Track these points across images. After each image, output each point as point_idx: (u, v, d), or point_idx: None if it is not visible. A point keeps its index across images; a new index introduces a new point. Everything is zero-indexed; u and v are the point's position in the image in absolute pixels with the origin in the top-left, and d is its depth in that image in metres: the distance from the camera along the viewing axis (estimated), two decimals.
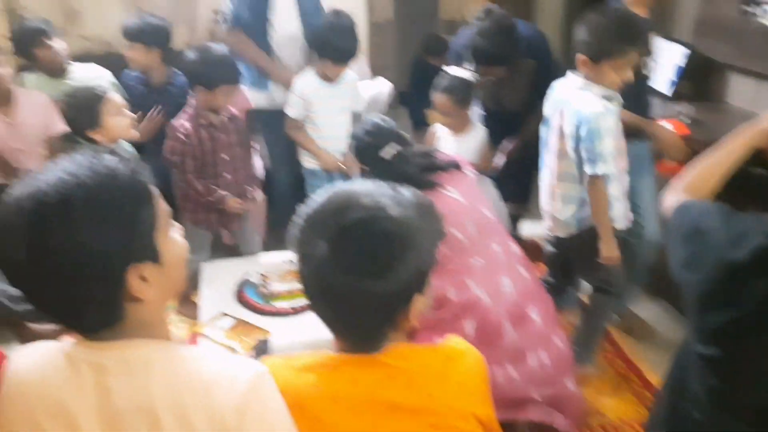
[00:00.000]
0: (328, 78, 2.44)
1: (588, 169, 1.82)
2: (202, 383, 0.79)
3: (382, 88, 3.30)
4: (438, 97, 2.35)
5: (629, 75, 1.79)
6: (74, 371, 0.79)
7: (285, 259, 2.14)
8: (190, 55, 2.24)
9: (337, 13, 2.45)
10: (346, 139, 2.50)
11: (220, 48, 2.30)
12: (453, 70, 2.25)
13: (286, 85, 2.53)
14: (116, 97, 2.13)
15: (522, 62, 2.36)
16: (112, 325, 0.80)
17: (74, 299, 0.77)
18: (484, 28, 2.24)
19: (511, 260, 1.81)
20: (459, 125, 2.44)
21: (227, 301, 1.97)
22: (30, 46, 2.68)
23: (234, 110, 2.41)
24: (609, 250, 1.89)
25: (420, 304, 0.93)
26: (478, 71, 2.31)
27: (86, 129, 2.07)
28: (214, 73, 2.17)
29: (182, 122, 2.25)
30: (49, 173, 0.75)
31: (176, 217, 0.90)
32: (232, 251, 2.65)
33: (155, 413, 0.77)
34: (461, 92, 2.30)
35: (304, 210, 0.93)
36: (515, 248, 1.86)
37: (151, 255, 0.80)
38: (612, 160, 1.80)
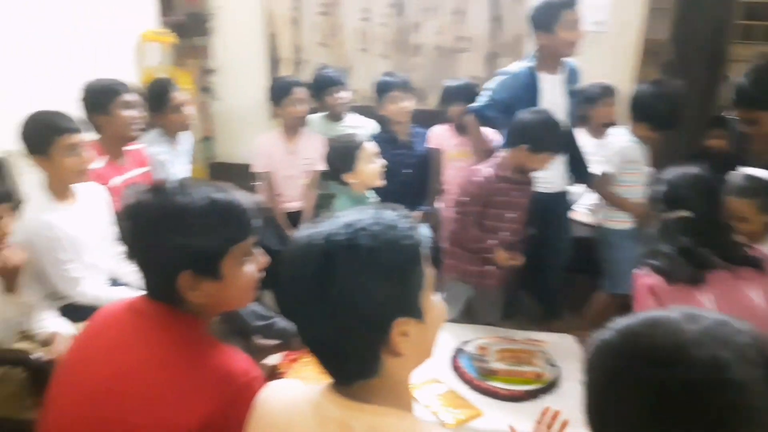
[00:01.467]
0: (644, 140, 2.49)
1: None
2: None
3: None
4: (734, 202, 1.91)
5: None
6: (321, 424, 0.81)
7: (507, 335, 2.01)
8: (526, 114, 2.26)
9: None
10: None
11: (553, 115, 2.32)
12: (754, 171, 1.93)
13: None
14: (372, 146, 2.25)
15: None
16: (367, 378, 0.81)
17: (341, 341, 0.79)
18: (750, 68, 2.07)
19: None
20: (758, 234, 1.94)
21: (441, 365, 1.88)
22: (323, 92, 3.04)
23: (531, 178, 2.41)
24: None
25: None
26: (739, 117, 2.13)
27: (342, 171, 2.22)
28: (546, 138, 2.19)
29: (486, 168, 2.29)
30: (337, 220, 0.81)
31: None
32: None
33: None
34: (765, 197, 1.93)
35: (604, 339, 0.73)
36: None
37: (416, 312, 0.81)
38: None
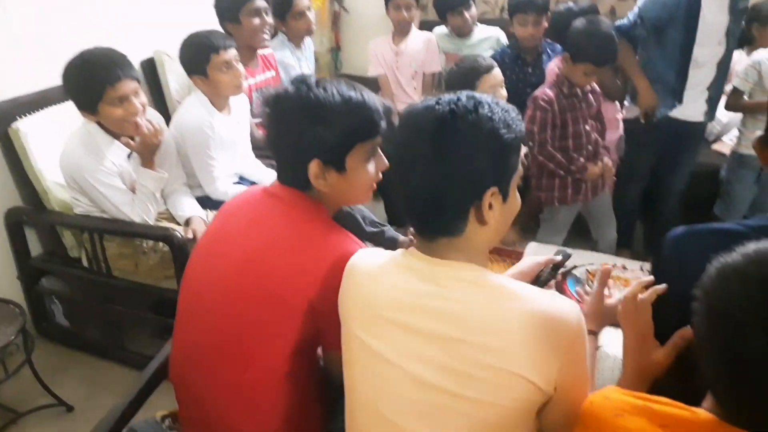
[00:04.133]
0: None
1: None
2: (537, 314, 0.85)
3: None
4: None
5: None
6: (404, 274, 0.94)
7: (618, 263, 1.92)
8: (579, 24, 2.20)
9: None
10: None
11: (608, 25, 2.22)
12: None
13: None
14: (495, 75, 2.13)
15: None
16: (452, 235, 0.92)
17: (441, 194, 0.89)
18: None
19: None
20: None
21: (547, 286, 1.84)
22: (448, 11, 2.98)
23: (594, 85, 2.33)
24: None
25: None
26: None
27: None
28: (585, 48, 2.13)
29: (545, 90, 2.24)
30: (460, 93, 0.92)
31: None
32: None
33: (475, 325, 0.85)
34: None
35: (729, 263, 0.71)
36: None
37: (505, 191, 0.93)
38: None
